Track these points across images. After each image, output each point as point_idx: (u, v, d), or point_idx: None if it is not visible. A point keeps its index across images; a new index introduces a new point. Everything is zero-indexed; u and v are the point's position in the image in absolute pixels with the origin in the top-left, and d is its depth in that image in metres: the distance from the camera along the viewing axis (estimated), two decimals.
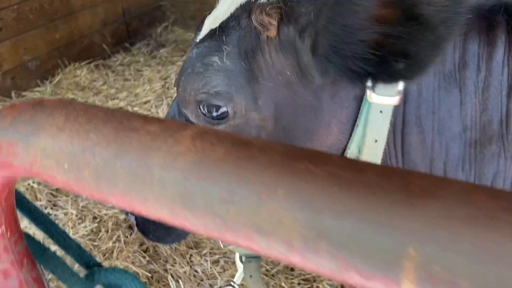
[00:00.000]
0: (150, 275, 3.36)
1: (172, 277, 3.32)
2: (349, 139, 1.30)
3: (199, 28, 1.44)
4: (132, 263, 3.42)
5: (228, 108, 1.27)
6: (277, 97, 1.25)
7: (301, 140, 1.29)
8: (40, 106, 0.58)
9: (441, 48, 0.97)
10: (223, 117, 1.29)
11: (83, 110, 0.54)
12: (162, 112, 4.93)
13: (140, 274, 3.37)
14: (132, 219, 1.67)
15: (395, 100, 1.19)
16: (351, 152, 1.30)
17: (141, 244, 3.59)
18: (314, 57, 1.15)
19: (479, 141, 1.25)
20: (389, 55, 1.00)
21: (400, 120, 1.26)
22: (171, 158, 0.46)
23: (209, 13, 1.43)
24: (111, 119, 0.51)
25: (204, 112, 1.31)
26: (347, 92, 1.25)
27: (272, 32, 1.20)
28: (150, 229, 1.66)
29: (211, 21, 1.34)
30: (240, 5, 1.26)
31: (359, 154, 1.29)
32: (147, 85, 5.51)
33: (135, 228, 1.71)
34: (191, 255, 3.46)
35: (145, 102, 5.24)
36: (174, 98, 1.54)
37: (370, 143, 1.25)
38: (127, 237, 3.66)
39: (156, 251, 3.56)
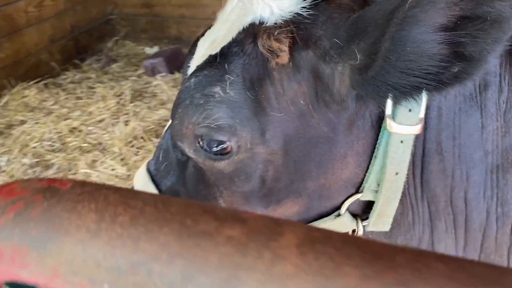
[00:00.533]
0: None
1: None
2: (366, 171, 1.19)
3: (191, 52, 1.30)
4: None
5: (231, 142, 1.13)
6: (287, 129, 1.12)
7: (313, 175, 1.17)
8: (54, 195, 0.43)
9: (503, 43, 0.87)
10: (225, 152, 1.15)
11: (122, 203, 0.39)
12: (119, 130, 4.72)
13: None
14: None
15: (416, 128, 1.09)
16: (368, 186, 1.19)
17: None
18: (355, 79, 1.02)
19: (501, 166, 1.16)
20: (447, 62, 0.90)
21: (420, 148, 1.17)
22: (276, 283, 0.32)
23: (202, 34, 1.29)
24: (167, 219, 0.37)
25: (204, 147, 1.16)
26: (364, 121, 1.14)
27: (284, 59, 1.07)
28: None
29: (208, 46, 1.20)
30: (243, 28, 1.13)
31: (377, 188, 1.18)
32: (101, 102, 5.27)
33: None
34: None
35: (100, 121, 5.01)
36: (165, 128, 1.38)
37: (390, 176, 1.14)
38: None
39: None
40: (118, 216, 0.38)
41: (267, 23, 1.09)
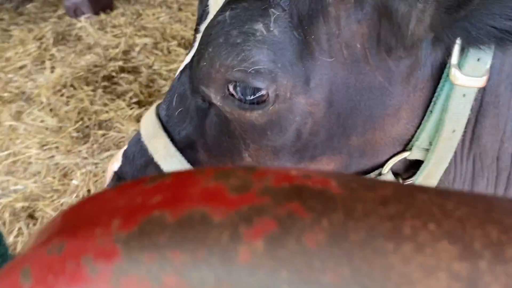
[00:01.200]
0: None
1: None
2: (417, 127, 1.07)
3: None
4: None
5: (269, 90, 0.96)
6: (335, 77, 0.97)
7: (359, 130, 1.03)
8: (328, 204, 0.25)
9: None
10: (260, 101, 0.98)
11: (490, 223, 0.22)
12: (44, 78, 4.30)
13: None
14: None
15: (482, 81, 0.98)
16: (419, 144, 1.08)
17: None
18: (440, 19, 0.86)
19: None
20: None
21: (478, 102, 1.06)
22: None
23: None
24: None
25: (235, 94, 0.99)
26: (424, 70, 1.00)
27: None
28: None
29: None
30: None
31: (429, 147, 1.07)
32: (19, 47, 4.79)
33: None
34: None
35: (21, 67, 4.55)
36: (180, 69, 1.17)
37: (447, 133, 1.03)
38: (29, 226, 3.15)
39: None
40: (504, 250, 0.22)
41: None
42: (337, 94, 0.98)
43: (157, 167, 1.15)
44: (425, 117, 1.05)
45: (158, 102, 1.22)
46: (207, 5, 1.10)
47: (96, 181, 3.35)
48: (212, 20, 1.00)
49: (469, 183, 1.17)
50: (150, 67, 4.45)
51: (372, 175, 1.11)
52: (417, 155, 1.10)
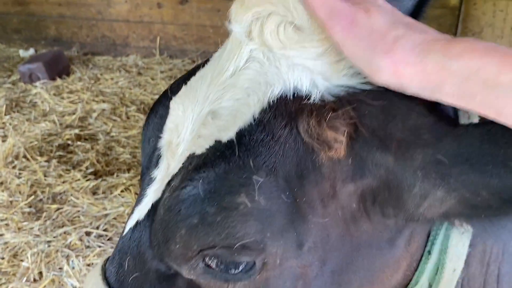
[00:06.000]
0: None
1: None
2: (415, 270, 0.98)
3: (153, 115, 0.96)
4: None
5: (256, 260, 0.82)
6: (331, 236, 0.85)
7: (355, 285, 0.92)
8: None
9: None
10: (245, 271, 0.84)
11: None
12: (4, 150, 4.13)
13: None
14: None
15: None
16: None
17: None
18: (461, 213, 0.77)
19: None
20: None
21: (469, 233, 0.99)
22: None
23: (170, 90, 0.93)
24: None
25: (216, 268, 0.84)
26: None
27: (339, 152, 0.79)
28: None
29: (203, 118, 0.86)
30: (269, 104, 0.81)
31: None
32: None
33: None
34: None
35: None
36: (129, 225, 0.97)
37: (448, 274, 0.94)
38: None
39: None
40: None
41: (307, 98, 0.79)
42: (331, 252, 0.86)
43: None
44: (423, 259, 0.96)
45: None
46: (158, 148, 0.95)
47: (48, 262, 3.14)
48: (178, 190, 0.83)
49: None
50: (107, 133, 4.33)
51: None
52: None
